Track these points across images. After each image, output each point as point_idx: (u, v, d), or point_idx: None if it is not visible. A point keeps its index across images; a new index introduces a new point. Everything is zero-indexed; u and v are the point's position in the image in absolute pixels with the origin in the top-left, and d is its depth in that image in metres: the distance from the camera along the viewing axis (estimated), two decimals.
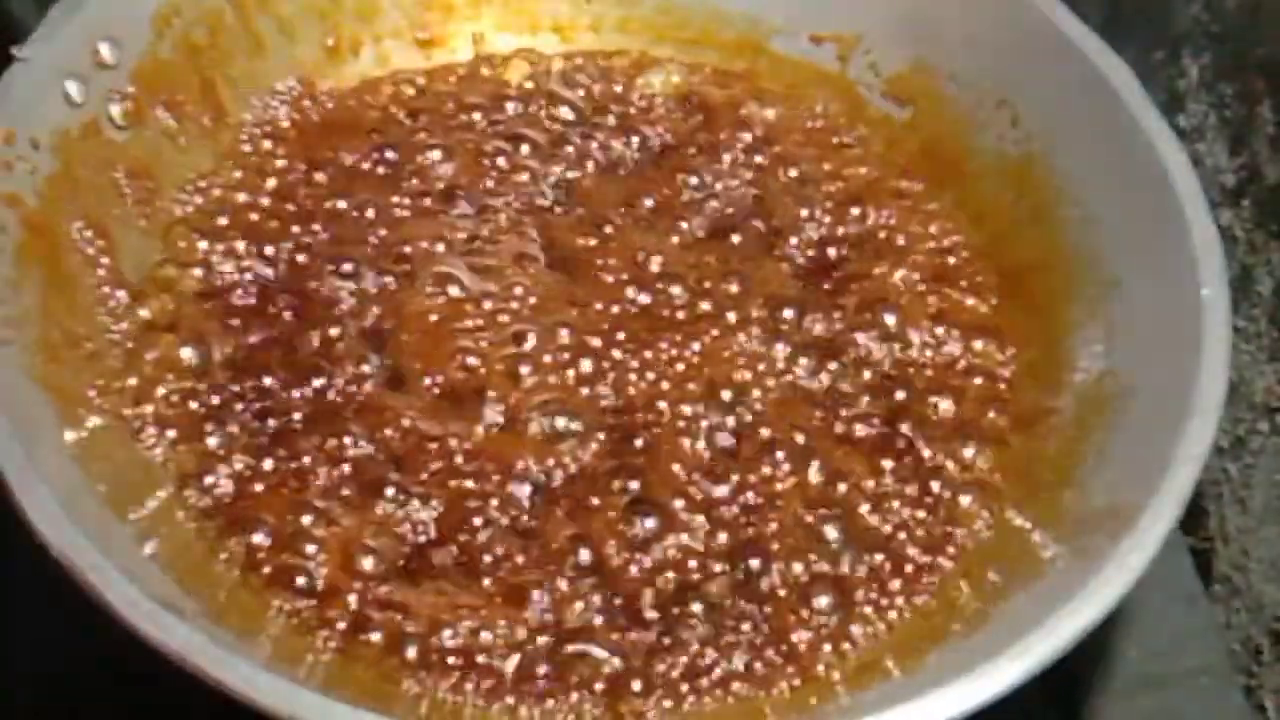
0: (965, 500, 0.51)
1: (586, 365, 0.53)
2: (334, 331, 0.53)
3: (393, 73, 0.63)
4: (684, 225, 0.59)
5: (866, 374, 0.55)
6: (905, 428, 0.53)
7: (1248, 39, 0.58)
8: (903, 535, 0.50)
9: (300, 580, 0.47)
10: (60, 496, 0.41)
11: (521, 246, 0.57)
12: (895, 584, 0.49)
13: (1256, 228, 0.58)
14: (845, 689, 0.46)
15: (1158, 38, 0.63)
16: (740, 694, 0.46)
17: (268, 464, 0.50)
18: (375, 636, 0.46)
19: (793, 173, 0.61)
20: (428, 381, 0.52)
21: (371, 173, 0.59)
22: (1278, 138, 0.56)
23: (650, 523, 0.49)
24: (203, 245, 0.55)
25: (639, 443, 0.52)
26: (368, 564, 0.47)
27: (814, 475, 0.51)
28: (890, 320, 0.56)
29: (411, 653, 0.46)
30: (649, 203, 0.59)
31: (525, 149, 0.60)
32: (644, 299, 0.56)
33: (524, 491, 0.50)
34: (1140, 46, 0.62)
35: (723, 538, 0.49)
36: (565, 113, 0.62)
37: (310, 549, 0.48)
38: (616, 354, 0.54)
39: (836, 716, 0.45)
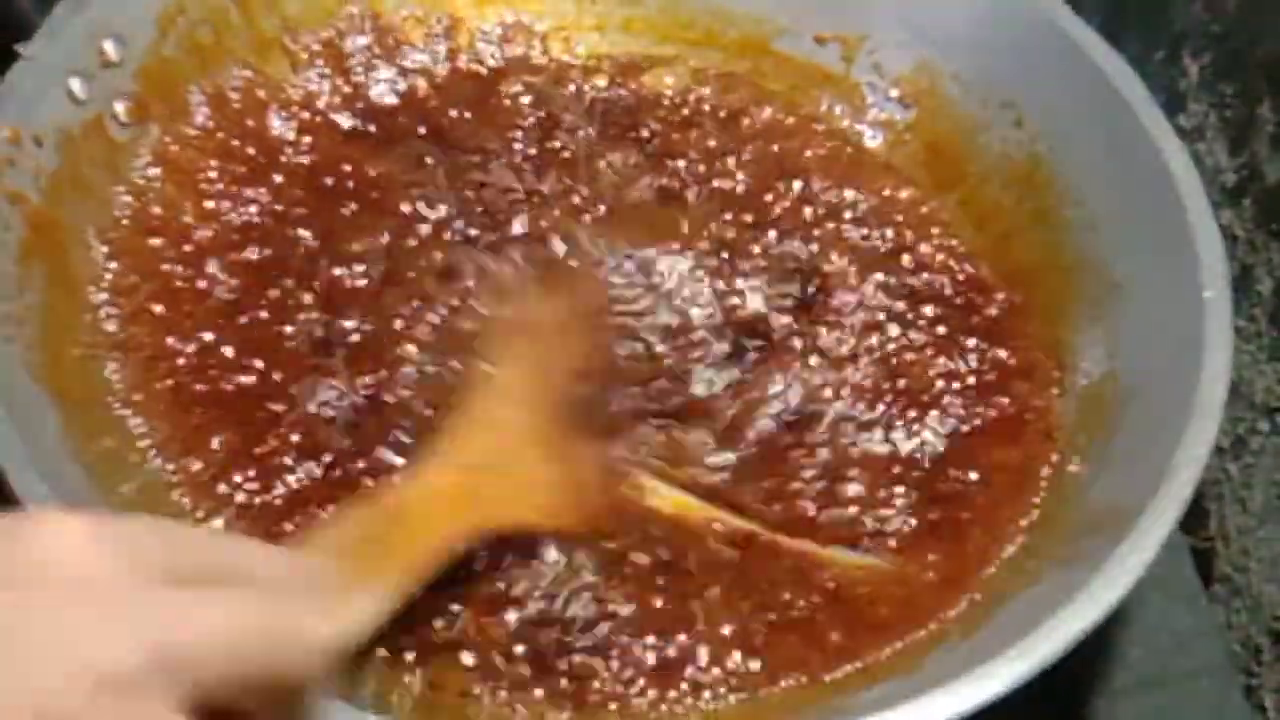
0: (964, 502, 0.51)
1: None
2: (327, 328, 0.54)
3: None
4: (684, 225, 0.59)
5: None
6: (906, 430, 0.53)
7: (1248, 39, 0.58)
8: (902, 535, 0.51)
9: None
10: (61, 495, 0.41)
11: (518, 243, 0.57)
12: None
13: (1256, 228, 0.58)
14: (845, 689, 0.46)
15: (1158, 38, 0.63)
16: (740, 694, 0.47)
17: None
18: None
19: (796, 174, 0.61)
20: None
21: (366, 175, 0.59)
22: (1278, 138, 0.56)
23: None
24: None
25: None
26: None
27: None
28: (894, 325, 0.56)
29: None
30: (650, 202, 0.59)
31: (528, 149, 0.60)
32: (643, 305, 0.56)
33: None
34: (1140, 46, 0.62)
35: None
36: (567, 114, 0.62)
37: None
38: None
39: (837, 716, 0.45)
